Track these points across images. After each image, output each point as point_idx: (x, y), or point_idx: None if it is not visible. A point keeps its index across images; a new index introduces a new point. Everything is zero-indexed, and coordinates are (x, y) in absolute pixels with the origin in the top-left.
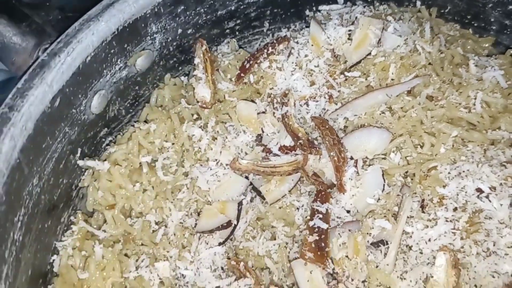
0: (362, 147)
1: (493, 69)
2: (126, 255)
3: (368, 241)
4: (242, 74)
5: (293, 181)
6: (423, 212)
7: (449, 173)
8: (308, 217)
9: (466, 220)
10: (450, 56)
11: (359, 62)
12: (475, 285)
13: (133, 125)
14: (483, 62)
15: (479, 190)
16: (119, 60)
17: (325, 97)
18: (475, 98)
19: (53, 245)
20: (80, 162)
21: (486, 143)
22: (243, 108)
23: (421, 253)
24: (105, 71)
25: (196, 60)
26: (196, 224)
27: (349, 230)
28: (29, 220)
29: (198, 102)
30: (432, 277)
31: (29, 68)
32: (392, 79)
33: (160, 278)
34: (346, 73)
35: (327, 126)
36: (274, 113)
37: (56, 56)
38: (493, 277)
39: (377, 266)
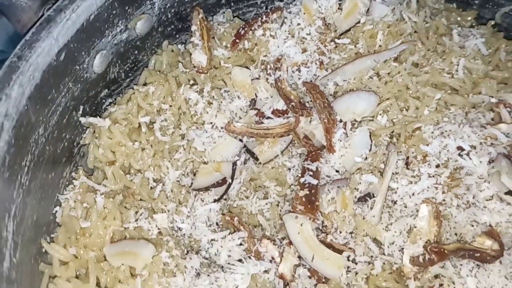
0: (351, 110)
1: (475, 38)
2: (125, 207)
3: (355, 196)
4: (237, 40)
5: (285, 143)
6: (408, 169)
7: (432, 132)
8: (299, 175)
9: (448, 176)
10: (435, 27)
11: (349, 30)
12: (455, 234)
13: (132, 88)
14: (466, 32)
15: (460, 148)
16: (120, 22)
17: (316, 63)
18: (458, 65)
19: (56, 197)
20: (82, 119)
21: (468, 107)
22: (237, 74)
23: (405, 206)
24: (107, 31)
25: (193, 28)
26: (192, 183)
27: (338, 187)
28: (34, 168)
29: (194, 67)
30: (415, 227)
31: (35, 23)
32: (380, 46)
33: (158, 229)
34: (336, 41)
35: (317, 90)
36: (267, 79)
37: (62, 12)
38: (472, 226)
39: (363, 218)
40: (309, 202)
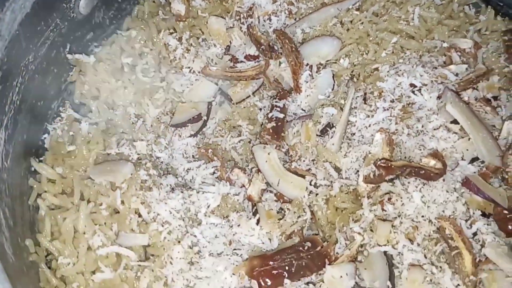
0: (316, 54)
1: None
2: (108, 134)
3: (318, 129)
4: None
5: (257, 85)
6: (365, 103)
7: (388, 72)
8: (268, 112)
9: (400, 108)
10: None
11: None
12: (405, 157)
13: (116, 33)
14: None
15: (413, 85)
16: None
17: (285, 13)
18: (413, 13)
19: (45, 126)
20: (69, 56)
21: (422, 51)
22: (213, 22)
23: (363, 137)
24: None
25: None
26: (170, 121)
27: (303, 121)
28: (25, 91)
29: (173, 15)
30: (370, 153)
31: None
32: None
33: (138, 154)
34: None
35: (286, 36)
36: (241, 27)
37: None
38: (420, 150)
39: (324, 147)
40: (275, 132)
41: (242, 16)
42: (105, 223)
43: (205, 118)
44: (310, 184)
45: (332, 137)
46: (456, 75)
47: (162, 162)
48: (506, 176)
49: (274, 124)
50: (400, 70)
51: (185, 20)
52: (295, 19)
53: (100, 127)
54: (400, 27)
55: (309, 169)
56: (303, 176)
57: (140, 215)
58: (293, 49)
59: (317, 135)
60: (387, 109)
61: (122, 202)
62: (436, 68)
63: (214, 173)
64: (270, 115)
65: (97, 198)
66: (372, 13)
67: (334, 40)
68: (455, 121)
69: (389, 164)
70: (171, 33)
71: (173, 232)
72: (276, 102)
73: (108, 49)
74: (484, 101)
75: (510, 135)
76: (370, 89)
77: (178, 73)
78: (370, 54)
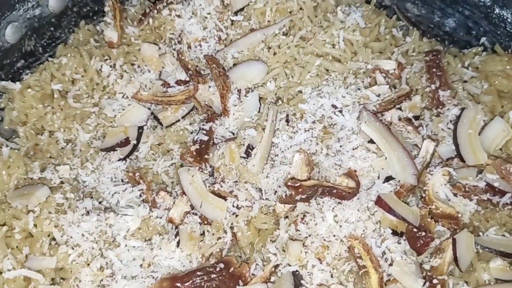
0: (243, 77)
1: (355, 14)
2: (31, 159)
3: (241, 151)
4: (142, 18)
5: (187, 109)
6: (288, 125)
7: (310, 93)
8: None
9: (321, 129)
10: (324, 6)
11: (243, 8)
12: (322, 177)
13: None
14: (349, 10)
15: (334, 106)
16: None
17: (214, 39)
18: (339, 36)
19: None
20: None
21: (346, 73)
22: (146, 49)
23: (285, 158)
24: (17, 4)
25: (106, 8)
26: None
27: (227, 143)
28: None
29: (106, 42)
30: (289, 174)
31: None
32: (269, 21)
33: (60, 178)
34: (232, 18)
35: (214, 61)
36: (173, 53)
37: None
38: (336, 169)
39: (246, 168)
40: (198, 154)
41: (173, 42)
42: (17, 247)
43: (134, 142)
44: (233, 206)
45: (253, 157)
46: (378, 95)
47: (86, 186)
48: (424, 195)
49: (198, 147)
50: (323, 92)
51: (118, 46)
52: (224, 45)
53: (21, 152)
54: (326, 50)
55: (232, 191)
56: (225, 198)
57: (54, 239)
58: (221, 73)
59: (241, 156)
60: (308, 130)
61: (35, 226)
62: (359, 89)
63: (140, 196)
64: (195, 137)
65: (12, 222)
66: (300, 37)
67: (260, 64)
68: (372, 141)
69: (298, 184)
70: (104, 60)
71: (83, 254)
72: (203, 125)
73: (38, 76)
74: (406, 121)
75: (429, 154)
76: (292, 111)
77: (112, 99)
78: (296, 77)
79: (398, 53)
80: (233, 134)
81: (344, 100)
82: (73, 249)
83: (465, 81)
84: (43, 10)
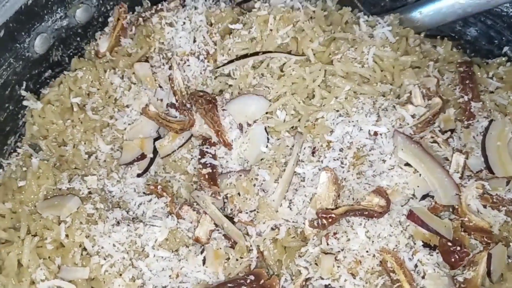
0: (243, 113)
1: (382, 26)
2: (59, 170)
3: (257, 187)
4: (126, 26)
5: (184, 138)
6: (313, 156)
7: (333, 120)
8: (199, 157)
9: (352, 155)
10: (339, 15)
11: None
12: (353, 198)
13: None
14: (373, 20)
15: (367, 132)
16: (59, 9)
17: (202, 54)
18: (368, 53)
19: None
20: (24, 93)
21: (376, 95)
22: (138, 69)
23: (311, 180)
24: (46, 16)
25: (110, 19)
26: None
27: (240, 175)
28: None
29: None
30: (315, 194)
31: None
32: (271, 30)
33: (88, 189)
34: (230, 26)
35: (198, 99)
36: (164, 70)
37: None
38: (365, 189)
39: (265, 202)
40: (211, 179)
41: (163, 54)
42: (49, 257)
43: (151, 156)
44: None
45: (273, 192)
46: (413, 116)
47: (113, 196)
48: (456, 207)
49: (210, 170)
50: (352, 121)
51: (102, 57)
52: (214, 60)
53: (50, 163)
54: (354, 69)
55: (252, 220)
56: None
57: (85, 249)
58: (207, 109)
59: (257, 193)
60: (337, 159)
61: (67, 236)
62: (393, 110)
63: (165, 207)
64: (203, 161)
65: (43, 232)
66: (314, 52)
67: (260, 99)
68: (408, 163)
69: (330, 215)
70: (115, 72)
71: (115, 265)
72: (206, 148)
73: (56, 90)
74: (436, 133)
75: (460, 167)
76: (318, 142)
77: (122, 111)
78: (316, 100)
79: (433, 67)
80: (241, 166)
81: (376, 126)
82: (105, 259)
83: (491, 92)
84: (71, 20)
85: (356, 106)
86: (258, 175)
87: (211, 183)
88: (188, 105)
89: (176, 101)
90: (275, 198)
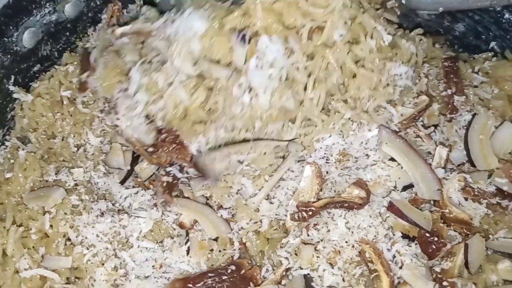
0: None
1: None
2: (46, 162)
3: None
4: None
5: None
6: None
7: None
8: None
9: (338, 153)
10: None
11: None
12: (334, 190)
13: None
14: None
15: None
16: (47, 4)
17: None
18: None
19: None
20: (11, 87)
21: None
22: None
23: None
24: (34, 11)
25: (103, 16)
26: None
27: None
28: None
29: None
30: (297, 189)
31: None
32: None
33: (75, 181)
34: None
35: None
36: None
37: None
38: (346, 182)
39: (245, 204)
40: (168, 188)
41: None
42: (33, 247)
43: (128, 168)
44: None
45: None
46: (402, 115)
47: (99, 189)
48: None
49: (170, 180)
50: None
51: None
52: None
53: (37, 155)
54: None
55: (234, 214)
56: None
57: (69, 239)
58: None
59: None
60: (323, 157)
61: (51, 226)
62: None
63: (151, 200)
64: (168, 169)
65: (28, 223)
66: None
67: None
68: (392, 158)
69: (310, 208)
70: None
71: (98, 254)
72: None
73: (46, 83)
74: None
75: (442, 160)
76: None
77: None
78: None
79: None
80: None
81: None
82: (88, 249)
83: (476, 86)
84: (59, 15)
85: (352, 129)
86: (243, 184)
87: (166, 192)
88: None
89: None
90: (255, 201)
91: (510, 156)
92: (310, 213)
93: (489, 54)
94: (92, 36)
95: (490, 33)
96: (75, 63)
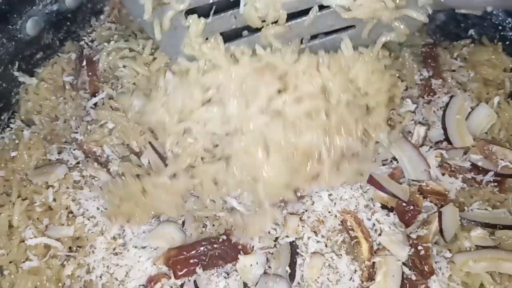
0: None
1: None
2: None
3: None
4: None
5: None
6: None
7: None
8: None
9: None
10: None
11: None
12: None
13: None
14: None
15: None
16: None
17: None
18: None
19: None
20: (16, 73)
21: None
22: None
23: None
24: (37, 0)
25: (106, 8)
26: None
27: None
28: None
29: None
30: None
31: None
32: None
33: (76, 159)
34: None
35: None
36: None
37: None
38: None
39: None
40: None
41: None
42: (37, 218)
43: None
44: None
45: None
46: None
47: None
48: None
49: None
50: None
51: None
52: None
53: (41, 135)
54: None
55: None
56: None
57: (71, 212)
58: None
59: None
60: None
61: (54, 200)
62: None
63: None
64: None
65: (33, 197)
66: None
67: None
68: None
69: None
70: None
71: (98, 225)
72: None
73: (50, 69)
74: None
75: (420, 137)
76: None
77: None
78: None
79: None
80: None
81: None
82: (89, 220)
83: (453, 71)
84: (61, 6)
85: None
86: None
87: None
88: None
89: None
90: None
91: (486, 136)
92: None
93: (467, 41)
94: (95, 28)
95: (469, 21)
96: (77, 51)
